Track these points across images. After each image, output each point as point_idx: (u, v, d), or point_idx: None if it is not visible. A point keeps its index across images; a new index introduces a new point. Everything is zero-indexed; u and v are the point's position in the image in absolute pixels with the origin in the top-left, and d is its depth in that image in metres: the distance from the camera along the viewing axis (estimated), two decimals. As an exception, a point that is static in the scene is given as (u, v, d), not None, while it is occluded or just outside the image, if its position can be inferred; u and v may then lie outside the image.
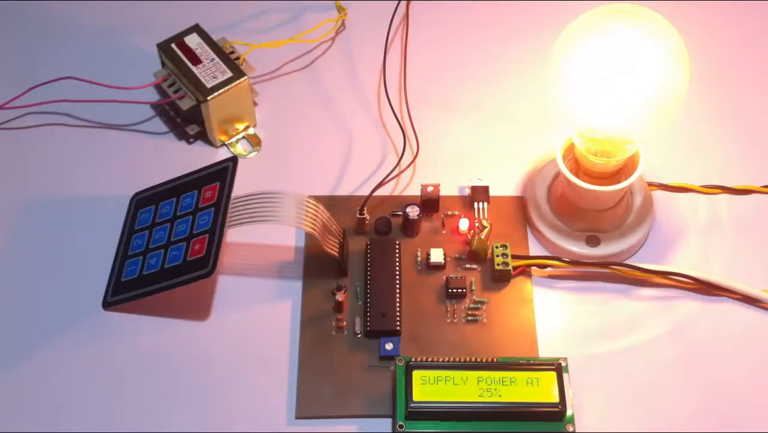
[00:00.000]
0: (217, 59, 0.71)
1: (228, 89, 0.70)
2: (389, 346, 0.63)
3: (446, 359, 0.61)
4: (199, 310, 0.66)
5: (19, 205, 0.70)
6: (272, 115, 0.75)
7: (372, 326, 0.64)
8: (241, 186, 0.65)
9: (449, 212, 0.69)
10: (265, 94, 0.75)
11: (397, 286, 0.65)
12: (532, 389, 0.60)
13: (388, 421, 0.61)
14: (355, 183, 0.71)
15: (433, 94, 0.75)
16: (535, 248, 0.68)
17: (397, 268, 0.66)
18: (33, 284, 0.67)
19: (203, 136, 0.73)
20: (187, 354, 0.64)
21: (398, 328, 0.64)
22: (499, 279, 0.66)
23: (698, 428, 0.61)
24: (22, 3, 0.81)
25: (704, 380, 0.63)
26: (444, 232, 0.68)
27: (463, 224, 0.68)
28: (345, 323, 0.65)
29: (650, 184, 0.70)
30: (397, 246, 0.66)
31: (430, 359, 0.61)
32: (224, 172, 0.65)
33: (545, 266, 0.66)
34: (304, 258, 0.67)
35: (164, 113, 0.74)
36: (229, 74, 0.70)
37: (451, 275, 0.66)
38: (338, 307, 0.64)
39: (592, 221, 0.67)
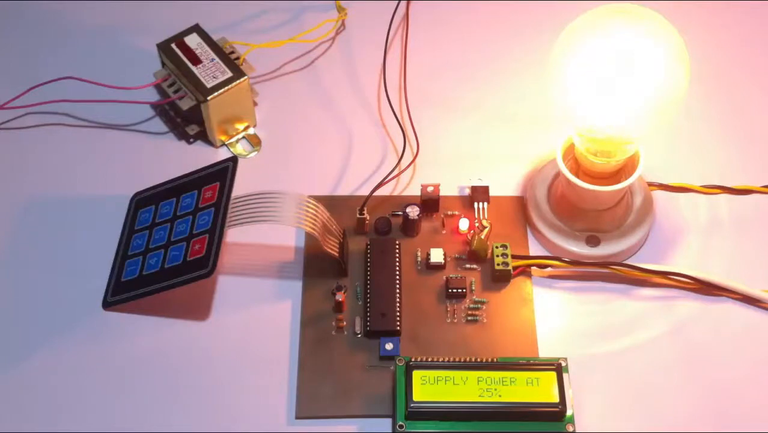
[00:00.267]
0: (217, 59, 0.71)
1: (228, 89, 0.70)
2: (389, 346, 0.63)
3: (446, 359, 0.61)
4: (199, 310, 0.66)
5: (19, 205, 0.70)
6: (272, 115, 0.75)
7: (372, 326, 0.64)
8: (241, 186, 0.65)
9: (449, 212, 0.69)
10: (265, 94, 0.75)
11: (397, 286, 0.65)
12: (532, 389, 0.60)
13: (388, 421, 0.61)
14: (355, 183, 0.71)
15: (433, 94, 0.75)
16: (535, 248, 0.68)
17: (397, 268, 0.66)
18: (33, 284, 0.67)
19: (203, 136, 0.73)
20: (187, 354, 0.64)
21: (398, 328, 0.64)
22: (499, 279, 0.66)
23: (698, 428, 0.61)
24: (22, 3, 0.81)
25: (704, 380, 0.63)
26: (444, 232, 0.68)
27: (463, 224, 0.68)
28: (345, 323, 0.65)
29: (650, 184, 0.70)
30: (397, 246, 0.66)
31: (430, 359, 0.61)
32: (224, 172, 0.65)
33: (545, 266, 0.66)
34: (304, 258, 0.67)
35: (164, 113, 0.74)
36: (229, 74, 0.70)
37: (451, 275, 0.66)
38: (338, 307, 0.64)
39: (592, 221, 0.67)
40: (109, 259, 0.67)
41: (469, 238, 0.67)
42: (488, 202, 0.69)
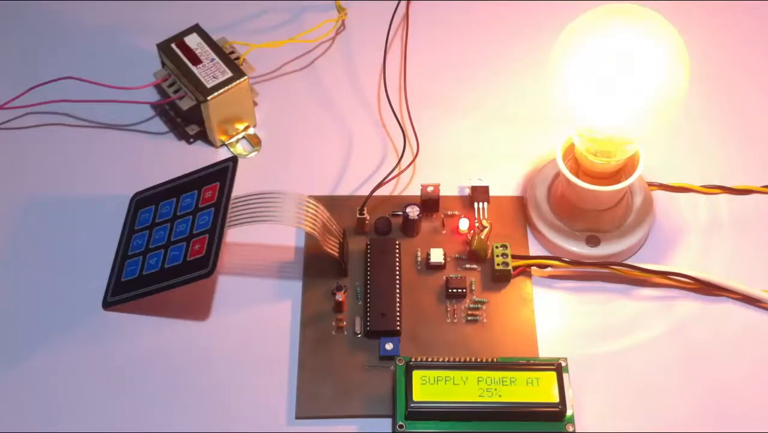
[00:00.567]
0: (217, 59, 0.71)
1: (228, 89, 0.70)
2: (389, 346, 0.63)
3: (446, 359, 0.61)
4: (199, 310, 0.66)
5: (19, 205, 0.70)
6: (272, 115, 0.75)
7: (372, 326, 0.64)
8: (241, 186, 0.65)
9: (449, 212, 0.69)
10: (265, 94, 0.75)
11: (397, 286, 0.65)
12: (532, 389, 0.60)
13: (388, 421, 0.61)
14: (355, 183, 0.71)
15: (433, 94, 0.75)
16: (535, 248, 0.68)
17: (397, 268, 0.66)
18: (33, 284, 0.67)
19: (203, 136, 0.73)
20: (187, 354, 0.64)
21: (398, 328, 0.64)
22: (499, 279, 0.66)
23: (698, 428, 0.61)
24: (22, 3, 0.81)
25: (704, 380, 0.63)
26: (444, 232, 0.68)
27: (463, 224, 0.68)
28: (345, 323, 0.65)
29: (650, 184, 0.70)
30: (397, 246, 0.66)
31: (430, 359, 0.61)
32: (224, 172, 0.65)
33: (545, 266, 0.66)
34: (304, 258, 0.67)
35: (164, 113, 0.74)
36: (229, 74, 0.70)
37: (451, 275, 0.66)
38: (338, 307, 0.64)
39: (592, 221, 0.67)
40: (109, 259, 0.67)
41: (469, 238, 0.67)
42: (488, 202, 0.69)
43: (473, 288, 0.66)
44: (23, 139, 0.74)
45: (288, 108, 0.75)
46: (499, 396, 0.59)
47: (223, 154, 0.73)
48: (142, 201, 0.69)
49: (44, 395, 0.62)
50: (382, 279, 0.65)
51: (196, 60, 0.71)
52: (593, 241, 0.67)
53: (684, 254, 0.68)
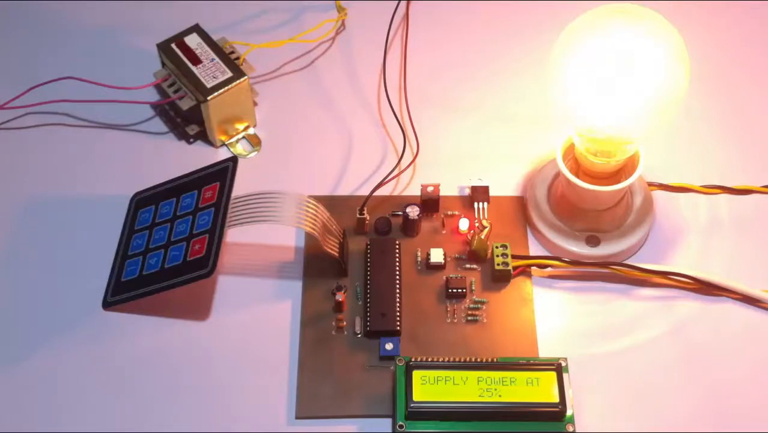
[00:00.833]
0: (217, 59, 0.71)
1: (228, 89, 0.70)
2: (389, 346, 0.63)
3: (446, 359, 0.61)
4: (199, 310, 0.66)
5: (19, 205, 0.70)
6: (272, 115, 0.75)
7: (372, 326, 0.64)
8: (241, 186, 0.65)
9: (449, 212, 0.69)
10: (265, 94, 0.75)
11: (397, 286, 0.65)
12: (532, 389, 0.60)
13: (388, 421, 0.61)
14: (355, 183, 0.71)
15: (433, 94, 0.75)
16: (535, 248, 0.68)
17: (397, 268, 0.66)
18: (33, 284, 0.67)
19: (203, 136, 0.73)
20: (187, 354, 0.64)
21: (398, 328, 0.64)
22: (499, 279, 0.66)
23: (698, 428, 0.61)
24: (22, 3, 0.81)
25: (704, 380, 0.63)
26: (444, 232, 0.68)
27: (463, 224, 0.68)
28: (345, 323, 0.65)
29: (650, 184, 0.70)
30: (397, 246, 0.66)
31: (430, 359, 0.61)
32: (224, 172, 0.65)
33: (545, 266, 0.66)
34: (304, 258, 0.67)
35: (164, 113, 0.74)
36: (229, 74, 0.70)
37: (451, 275, 0.66)
38: (338, 307, 0.64)
39: (592, 221, 0.67)
40: (109, 259, 0.67)
41: (469, 238, 0.67)
42: (488, 202, 0.69)
43: (473, 288, 0.66)
44: (23, 139, 0.74)
45: (288, 108, 0.75)
46: (499, 396, 0.59)
47: (223, 154, 0.73)
48: (142, 201, 0.69)
49: (44, 395, 0.62)
50: (382, 279, 0.65)
51: (196, 60, 0.71)
52: (593, 241, 0.67)
53: (684, 254, 0.68)
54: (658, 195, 0.70)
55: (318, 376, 0.63)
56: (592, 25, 0.60)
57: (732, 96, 0.75)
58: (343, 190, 0.71)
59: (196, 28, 0.73)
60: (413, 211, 0.67)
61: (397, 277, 0.65)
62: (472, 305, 0.65)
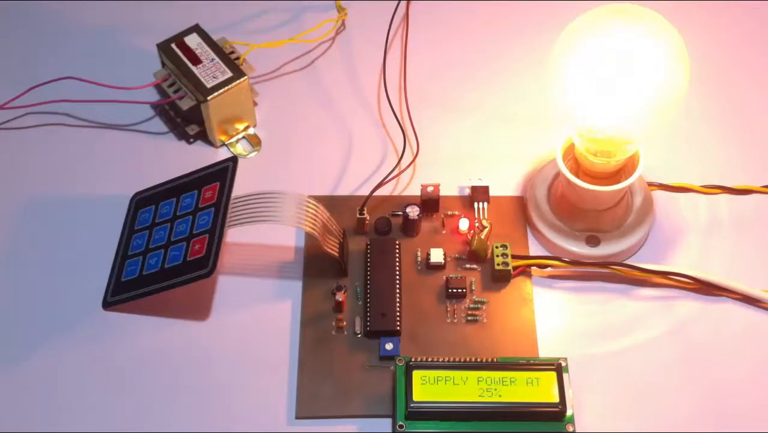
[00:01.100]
0: (217, 59, 0.71)
1: (228, 89, 0.70)
2: (389, 346, 0.63)
3: (446, 359, 0.61)
4: (199, 310, 0.66)
5: (19, 205, 0.70)
6: (272, 115, 0.75)
7: (372, 326, 0.64)
8: (241, 186, 0.65)
9: (449, 212, 0.69)
10: (265, 94, 0.75)
11: (397, 286, 0.65)
12: (532, 389, 0.60)
13: (388, 421, 0.61)
14: (355, 183, 0.71)
15: (433, 94, 0.75)
16: (535, 248, 0.68)
17: (397, 268, 0.66)
18: (33, 284, 0.67)
19: (203, 136, 0.73)
20: (187, 354, 0.64)
21: (398, 328, 0.64)
22: (499, 279, 0.66)
23: (698, 428, 0.61)
24: (22, 3, 0.81)
25: (704, 380, 0.63)
26: (444, 232, 0.68)
27: (463, 224, 0.68)
28: (345, 323, 0.65)
29: (650, 184, 0.70)
30: (397, 246, 0.66)
31: (430, 359, 0.61)
32: (224, 172, 0.65)
33: (545, 266, 0.66)
34: (304, 258, 0.67)
35: (164, 113, 0.74)
36: (229, 74, 0.70)
37: (451, 275, 0.66)
38: (338, 307, 0.64)
39: (592, 221, 0.67)
40: (109, 259, 0.67)
41: (469, 238, 0.67)
42: (488, 202, 0.69)
43: (473, 288, 0.66)
44: (23, 139, 0.74)
45: (288, 108, 0.75)
46: (499, 396, 0.59)
47: (223, 154, 0.73)
48: (142, 201, 0.69)
49: (44, 395, 0.62)
50: (382, 279, 0.65)
51: (196, 60, 0.71)
52: (593, 241, 0.67)
53: (684, 254, 0.68)
54: (658, 195, 0.70)
55: (318, 376, 0.63)
56: (592, 25, 0.60)
57: (732, 96, 0.75)
58: (343, 190, 0.71)
59: (196, 28, 0.73)
60: (413, 212, 0.67)
61: (397, 277, 0.65)
62: (472, 305, 0.65)
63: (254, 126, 0.74)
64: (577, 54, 0.60)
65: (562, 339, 0.64)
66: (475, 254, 0.67)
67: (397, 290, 0.65)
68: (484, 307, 0.65)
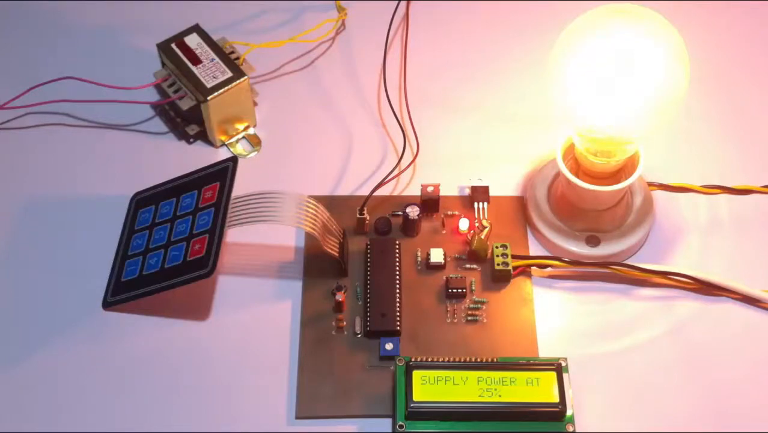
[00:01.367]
0: (217, 59, 0.71)
1: (228, 89, 0.70)
2: (389, 346, 0.63)
3: (446, 359, 0.61)
4: (199, 310, 0.66)
5: (19, 205, 0.70)
6: (272, 115, 0.75)
7: (372, 326, 0.64)
8: (241, 186, 0.65)
9: (449, 212, 0.69)
10: (265, 94, 0.75)
11: (397, 286, 0.65)
12: (532, 389, 0.60)
13: (388, 421, 0.61)
14: (355, 183, 0.71)
15: (433, 94, 0.75)
16: (535, 248, 0.68)
17: (397, 268, 0.66)
18: (33, 284, 0.67)
19: (203, 136, 0.73)
20: (187, 354, 0.64)
21: (398, 328, 0.64)
22: (499, 279, 0.66)
23: (698, 428, 0.61)
24: (22, 3, 0.81)
25: (704, 380, 0.63)
26: (444, 232, 0.68)
27: (463, 224, 0.68)
28: (345, 323, 0.65)
29: (650, 184, 0.70)
30: (397, 246, 0.66)
31: (430, 359, 0.61)
32: (224, 172, 0.65)
33: (545, 266, 0.66)
34: (304, 258, 0.67)
35: (164, 113, 0.74)
36: (229, 74, 0.70)
37: (451, 275, 0.66)
38: (338, 307, 0.64)
39: (592, 221, 0.67)
40: (109, 259, 0.67)
41: (469, 238, 0.67)
42: (488, 202, 0.69)
43: (473, 288, 0.66)
44: (23, 139, 0.74)
45: (288, 108, 0.75)
46: (499, 396, 0.59)
47: (223, 154, 0.73)
48: (142, 201, 0.69)
49: (44, 395, 0.62)
50: (382, 279, 0.65)
51: (196, 60, 0.71)
52: (593, 241, 0.67)
53: (684, 254, 0.68)
54: (658, 195, 0.70)
55: (318, 376, 0.63)
56: (592, 25, 0.60)
57: (732, 96, 0.75)
58: (343, 190, 0.71)
59: (196, 28, 0.73)
60: (413, 212, 0.67)
61: (397, 277, 0.65)
62: (472, 305, 0.65)
63: (254, 126, 0.74)
64: (577, 54, 0.60)
65: (562, 339, 0.64)
66: (475, 254, 0.67)
67: (397, 290, 0.65)
68: (484, 307, 0.65)
